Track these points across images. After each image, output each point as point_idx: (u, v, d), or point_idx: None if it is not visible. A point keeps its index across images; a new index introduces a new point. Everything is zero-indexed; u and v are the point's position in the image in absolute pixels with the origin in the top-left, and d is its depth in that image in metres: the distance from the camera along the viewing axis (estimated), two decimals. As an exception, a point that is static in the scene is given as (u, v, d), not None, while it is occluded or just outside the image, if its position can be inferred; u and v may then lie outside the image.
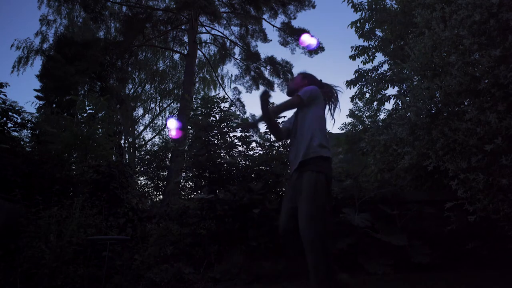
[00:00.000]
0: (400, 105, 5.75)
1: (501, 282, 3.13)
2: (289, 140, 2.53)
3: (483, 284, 3.05)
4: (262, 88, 15.09)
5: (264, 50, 57.18)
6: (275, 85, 14.97)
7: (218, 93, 17.25)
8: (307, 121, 2.28)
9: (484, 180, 2.94)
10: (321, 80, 2.62)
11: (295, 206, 2.13)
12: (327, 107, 2.55)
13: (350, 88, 7.38)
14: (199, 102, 5.49)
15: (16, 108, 5.26)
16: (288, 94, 2.58)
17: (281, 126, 2.55)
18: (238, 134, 5.27)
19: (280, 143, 5.29)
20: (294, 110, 2.44)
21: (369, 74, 7.23)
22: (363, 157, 5.45)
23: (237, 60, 15.67)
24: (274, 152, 5.08)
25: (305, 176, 2.12)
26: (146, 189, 7.58)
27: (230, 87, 18.62)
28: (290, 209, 2.20)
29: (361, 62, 7.22)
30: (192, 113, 5.62)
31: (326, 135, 2.31)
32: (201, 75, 18.94)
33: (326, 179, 2.12)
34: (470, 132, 3.14)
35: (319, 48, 13.84)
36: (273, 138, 5.33)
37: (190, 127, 5.56)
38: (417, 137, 3.80)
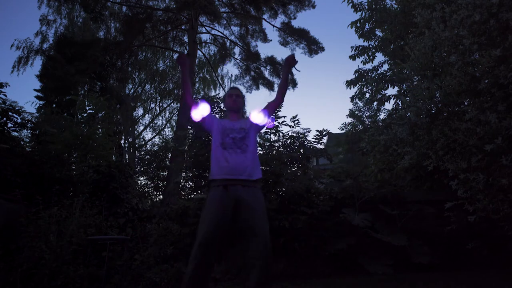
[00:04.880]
0: (400, 105, 5.75)
1: (501, 282, 3.13)
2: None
3: (483, 284, 3.05)
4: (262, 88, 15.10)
5: (264, 50, 57.44)
6: (275, 85, 14.96)
7: (218, 93, 17.21)
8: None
9: (484, 180, 2.94)
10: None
11: None
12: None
13: (350, 88, 7.36)
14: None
15: (16, 108, 5.25)
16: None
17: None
18: None
19: (280, 143, 5.29)
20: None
21: (369, 74, 7.22)
22: (363, 157, 5.44)
23: (237, 60, 15.66)
24: (274, 152, 5.08)
25: None
26: (146, 189, 7.56)
27: (230, 87, 18.60)
28: None
29: (361, 62, 7.21)
30: (192, 113, 5.61)
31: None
32: (201, 75, 18.92)
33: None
34: (470, 132, 3.14)
35: (319, 48, 13.81)
36: (273, 137, 5.33)
37: (190, 127, 5.56)
38: (417, 137, 3.80)
